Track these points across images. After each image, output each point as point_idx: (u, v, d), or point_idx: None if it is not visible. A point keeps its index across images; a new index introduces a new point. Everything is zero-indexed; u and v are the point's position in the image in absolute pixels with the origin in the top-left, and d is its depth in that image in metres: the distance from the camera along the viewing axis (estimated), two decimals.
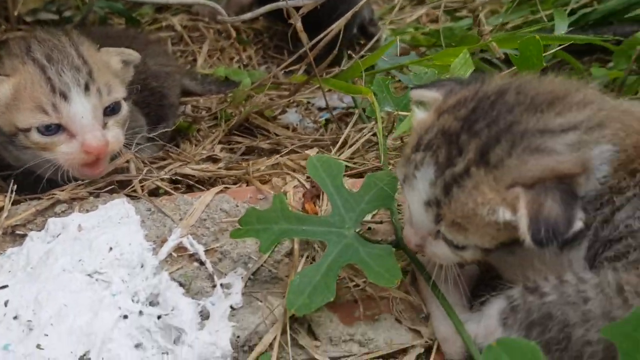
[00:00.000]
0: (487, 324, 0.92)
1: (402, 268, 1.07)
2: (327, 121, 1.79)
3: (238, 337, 1.00)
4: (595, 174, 0.87)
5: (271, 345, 0.99)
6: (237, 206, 1.21)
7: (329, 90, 1.79)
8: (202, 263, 1.11)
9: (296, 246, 1.12)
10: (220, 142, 1.66)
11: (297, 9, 1.58)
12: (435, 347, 1.01)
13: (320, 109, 1.90)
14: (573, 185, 0.84)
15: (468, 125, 0.88)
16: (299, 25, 1.59)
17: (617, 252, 0.86)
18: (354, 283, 1.09)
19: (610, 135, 0.88)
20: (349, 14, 1.55)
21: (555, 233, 0.80)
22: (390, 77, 1.41)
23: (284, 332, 1.00)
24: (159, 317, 1.00)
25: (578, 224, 0.82)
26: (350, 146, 1.48)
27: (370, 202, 1.06)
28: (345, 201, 1.06)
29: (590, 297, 0.81)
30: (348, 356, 1.00)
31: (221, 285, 1.07)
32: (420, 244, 0.97)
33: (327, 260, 1.00)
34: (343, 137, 1.50)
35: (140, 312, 1.00)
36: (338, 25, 1.57)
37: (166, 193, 1.30)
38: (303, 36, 1.57)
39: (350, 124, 1.57)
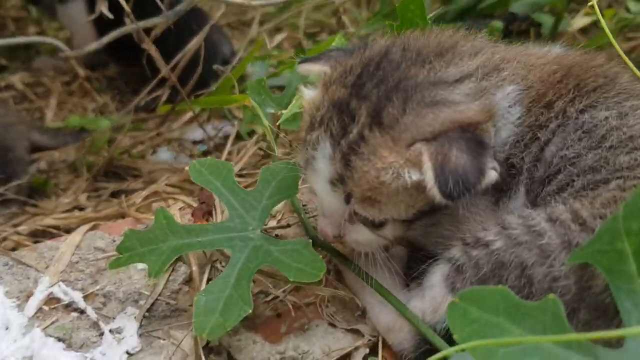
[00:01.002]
0: (432, 295, 0.79)
1: None
2: (206, 153, 1.63)
3: None
4: (507, 118, 0.80)
5: None
6: (115, 241, 1.01)
7: (203, 122, 1.65)
8: (82, 311, 0.90)
9: (194, 267, 0.94)
10: (85, 191, 1.45)
11: (148, 33, 1.43)
12: (380, 342, 0.87)
13: (195, 142, 1.74)
14: (479, 134, 0.76)
15: (356, 91, 0.79)
16: (154, 53, 1.45)
17: (560, 183, 0.77)
18: (272, 295, 0.93)
19: (511, 75, 0.82)
20: (201, 37, 1.43)
21: (465, 184, 0.71)
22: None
23: None
24: None
25: (491, 174, 0.73)
26: (237, 163, 1.33)
27: (273, 196, 0.91)
28: (243, 201, 0.90)
29: (544, 230, 0.71)
30: None
31: (110, 331, 0.87)
32: (338, 233, 0.84)
33: (234, 269, 0.83)
34: (225, 152, 1.34)
35: None
36: (197, 40, 1.45)
37: None
38: (158, 59, 1.43)
39: (230, 142, 1.42)
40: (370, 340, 0.88)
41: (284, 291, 0.93)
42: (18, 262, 0.97)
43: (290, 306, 0.91)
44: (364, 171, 0.75)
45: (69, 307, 0.91)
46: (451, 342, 0.77)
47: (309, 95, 0.86)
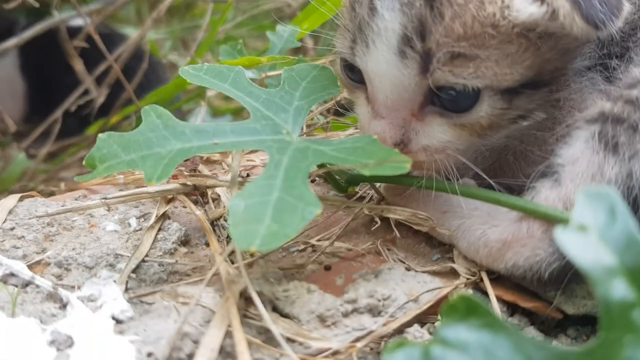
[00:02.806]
0: (577, 170, 0.55)
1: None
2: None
3: (150, 354, 0.48)
4: None
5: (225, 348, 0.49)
6: (64, 205, 0.70)
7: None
8: (27, 284, 0.57)
9: (198, 212, 0.64)
10: None
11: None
12: (486, 279, 0.60)
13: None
14: None
15: None
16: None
17: None
18: (312, 247, 0.64)
19: None
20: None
21: (609, 6, 0.53)
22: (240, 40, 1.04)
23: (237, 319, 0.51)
24: None
25: (627, 6, 0.55)
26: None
27: (307, 96, 0.65)
28: (267, 102, 0.64)
29: None
30: (365, 335, 0.53)
31: (78, 298, 0.54)
32: (401, 138, 0.60)
33: (278, 169, 0.55)
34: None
35: None
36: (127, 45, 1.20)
37: None
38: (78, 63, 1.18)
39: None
40: (469, 279, 0.61)
41: (328, 239, 0.65)
42: None
43: (341, 258, 0.63)
44: (462, 5, 0.54)
45: (6, 282, 0.58)
46: None
47: None
